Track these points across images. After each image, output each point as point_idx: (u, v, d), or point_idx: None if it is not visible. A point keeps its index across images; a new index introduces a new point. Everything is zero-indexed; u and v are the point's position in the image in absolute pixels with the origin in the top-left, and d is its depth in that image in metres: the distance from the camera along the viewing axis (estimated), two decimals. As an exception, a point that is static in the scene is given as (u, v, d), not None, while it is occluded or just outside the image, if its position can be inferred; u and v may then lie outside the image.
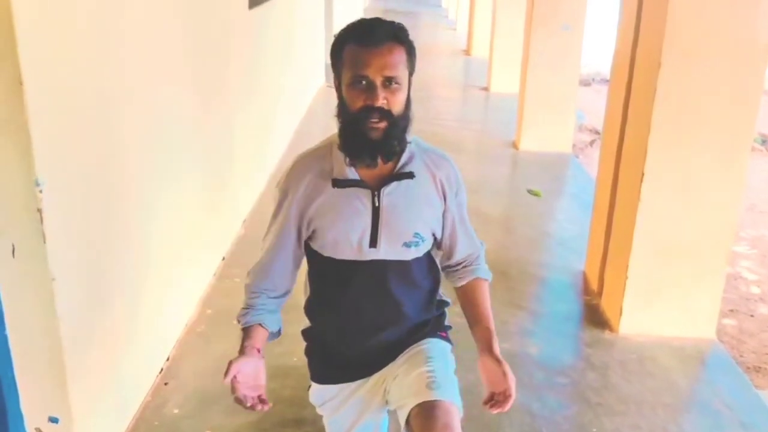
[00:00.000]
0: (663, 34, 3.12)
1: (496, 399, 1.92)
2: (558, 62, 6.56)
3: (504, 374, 1.93)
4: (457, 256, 2.13)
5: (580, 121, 8.86)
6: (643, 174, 3.32)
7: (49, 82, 2.11)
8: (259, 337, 2.01)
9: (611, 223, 3.79)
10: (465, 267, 2.14)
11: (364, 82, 1.81)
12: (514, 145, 7.01)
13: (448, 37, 15.07)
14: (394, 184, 1.95)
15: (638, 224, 3.41)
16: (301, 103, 7.65)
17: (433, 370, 1.95)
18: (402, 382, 1.98)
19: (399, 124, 1.86)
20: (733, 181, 3.33)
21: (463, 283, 2.13)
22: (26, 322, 2.15)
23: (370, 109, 1.81)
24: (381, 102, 1.80)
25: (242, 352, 1.96)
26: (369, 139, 1.84)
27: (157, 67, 3.10)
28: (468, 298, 2.13)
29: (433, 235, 2.04)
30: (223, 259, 4.26)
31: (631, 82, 3.54)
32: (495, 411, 1.92)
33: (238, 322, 2.07)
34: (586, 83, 11.73)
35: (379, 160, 1.90)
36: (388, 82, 1.81)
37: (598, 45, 10.46)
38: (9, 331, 2.14)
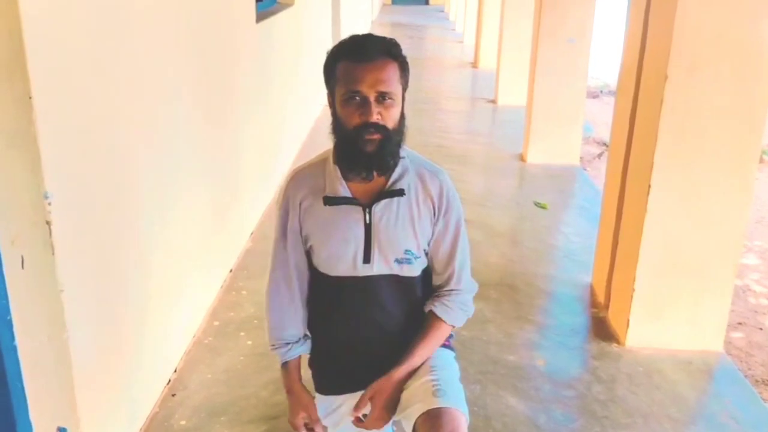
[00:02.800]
0: (669, 47, 3.13)
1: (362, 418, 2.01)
2: (565, 75, 6.56)
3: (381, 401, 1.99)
4: (434, 277, 2.12)
5: (588, 133, 8.85)
6: (649, 186, 3.32)
7: (58, 96, 2.13)
8: (297, 368, 2.14)
9: (618, 236, 3.79)
10: (438, 296, 2.11)
11: (357, 98, 1.84)
12: (522, 158, 7.01)
13: (456, 49, 15.10)
14: (386, 201, 1.97)
15: (645, 237, 3.40)
16: (308, 116, 7.68)
17: (437, 378, 1.97)
18: (407, 392, 1.99)
19: (393, 138, 1.89)
20: (740, 193, 3.32)
21: (426, 309, 2.11)
22: (35, 333, 2.17)
23: (365, 126, 1.83)
24: (375, 117, 1.83)
25: (290, 392, 2.12)
26: (364, 153, 1.86)
27: (166, 81, 3.13)
28: (419, 327, 2.10)
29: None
30: (231, 271, 4.28)
31: (637, 95, 3.55)
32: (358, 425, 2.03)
33: (273, 348, 2.15)
34: (594, 95, 11.73)
35: (374, 174, 1.92)
36: (382, 97, 1.84)
37: (607, 57, 10.49)
38: (18, 342, 2.15)
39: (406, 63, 1.92)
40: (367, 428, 2.01)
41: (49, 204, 2.06)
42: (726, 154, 3.26)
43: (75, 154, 2.25)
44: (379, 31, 18.76)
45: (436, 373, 1.99)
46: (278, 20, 5.80)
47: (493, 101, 9.73)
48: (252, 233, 4.84)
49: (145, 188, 2.87)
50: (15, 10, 1.89)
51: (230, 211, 4.33)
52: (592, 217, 5.16)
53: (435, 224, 2.03)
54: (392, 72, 1.86)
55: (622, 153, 3.72)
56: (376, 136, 1.84)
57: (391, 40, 1.92)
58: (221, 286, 4.07)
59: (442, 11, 24.62)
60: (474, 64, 12.85)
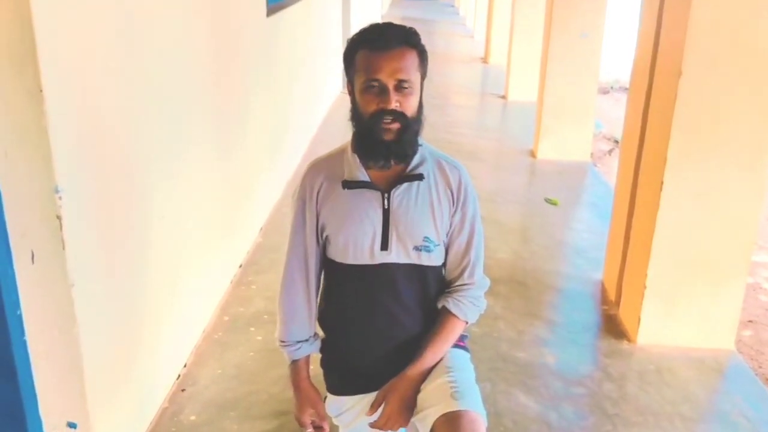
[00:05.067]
0: (684, 42, 3.10)
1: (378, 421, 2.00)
2: (576, 70, 6.53)
3: (396, 402, 1.98)
4: (447, 271, 2.11)
5: (599, 129, 8.82)
6: (662, 183, 3.30)
7: (69, 90, 2.13)
8: (306, 365, 2.14)
9: (630, 233, 3.77)
10: (449, 293, 2.09)
11: (376, 86, 1.85)
12: (532, 154, 6.99)
13: (466, 44, 15.07)
14: (405, 185, 1.96)
15: (657, 234, 3.38)
16: (317, 110, 7.67)
17: (455, 379, 1.94)
18: (423, 393, 1.97)
19: (412, 126, 1.90)
20: (753, 191, 3.29)
21: (439, 306, 2.09)
22: (45, 327, 2.17)
23: (384, 112, 1.84)
24: (394, 105, 1.84)
25: (297, 388, 2.12)
26: (383, 141, 1.87)
27: (177, 76, 3.12)
28: (432, 324, 2.08)
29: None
30: (241, 266, 4.28)
31: (650, 90, 3.52)
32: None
33: (282, 345, 2.14)
34: (604, 91, 11.69)
35: (392, 162, 1.92)
36: (401, 85, 1.84)
37: (618, 52, 10.44)
38: (28, 337, 2.15)
39: (425, 52, 1.93)
40: (383, 429, 1.99)
41: (60, 198, 2.05)
42: (739, 151, 3.24)
43: (86, 148, 2.25)
44: (389, 26, 18.76)
45: (453, 374, 1.96)
46: (288, 14, 5.78)
47: (503, 97, 9.70)
48: (262, 228, 4.84)
49: (155, 182, 2.86)
50: (26, 2, 1.89)
51: (240, 205, 4.32)
52: (603, 214, 5.14)
53: (453, 215, 2.01)
54: (411, 60, 1.86)
55: (634, 149, 3.69)
56: (395, 125, 1.85)
57: (410, 28, 1.92)
58: (231, 281, 4.07)
59: (453, 6, 24.56)
60: (484, 60, 12.83)
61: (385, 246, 1.96)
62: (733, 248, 3.39)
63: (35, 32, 1.92)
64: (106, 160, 2.42)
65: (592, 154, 7.16)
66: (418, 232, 1.97)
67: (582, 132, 6.76)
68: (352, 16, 10.74)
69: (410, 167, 1.97)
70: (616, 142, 8.74)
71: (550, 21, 6.50)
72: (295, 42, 6.28)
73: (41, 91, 1.95)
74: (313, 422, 2.11)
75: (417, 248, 1.98)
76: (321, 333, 2.20)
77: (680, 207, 3.33)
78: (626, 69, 4.35)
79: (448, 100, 9.40)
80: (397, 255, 1.98)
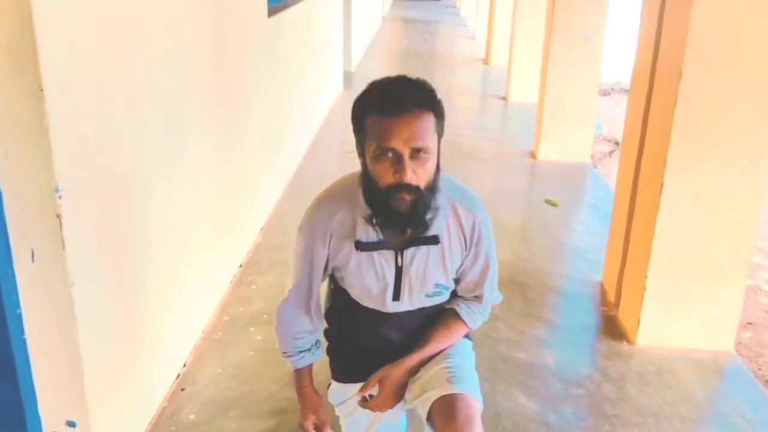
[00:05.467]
0: (684, 44, 3.10)
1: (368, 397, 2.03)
2: (577, 72, 6.54)
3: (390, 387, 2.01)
4: (459, 291, 2.11)
5: (599, 131, 8.82)
6: (662, 185, 3.30)
7: (70, 89, 2.13)
8: (309, 373, 2.17)
9: (629, 234, 3.77)
10: (463, 299, 2.11)
11: (390, 155, 1.70)
12: (533, 155, 6.99)
13: (467, 46, 15.06)
14: (418, 246, 1.91)
15: (657, 235, 3.38)
16: (318, 111, 7.67)
17: (452, 365, 1.98)
18: (422, 379, 2.00)
19: (427, 196, 1.77)
20: (754, 193, 3.29)
21: (448, 306, 2.10)
22: (45, 326, 2.17)
23: (400, 187, 1.72)
24: (410, 177, 1.70)
25: (300, 395, 2.16)
26: (398, 213, 1.76)
27: (177, 75, 3.12)
28: (435, 321, 2.09)
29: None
30: (241, 266, 4.28)
31: (651, 92, 3.52)
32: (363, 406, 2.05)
33: (284, 355, 2.16)
34: (605, 93, 11.69)
35: (408, 231, 1.86)
36: (417, 153, 1.70)
37: (618, 54, 10.43)
38: (28, 336, 2.15)
39: (442, 110, 1.79)
40: (372, 409, 2.04)
41: (60, 197, 2.05)
42: (739, 153, 3.24)
43: (86, 147, 2.25)
44: (390, 26, 18.72)
45: (452, 360, 2.00)
46: (290, 15, 5.79)
47: (504, 98, 9.70)
48: (262, 228, 4.84)
49: (156, 182, 2.86)
50: (27, 1, 1.89)
51: (241, 205, 4.32)
52: (603, 215, 5.14)
53: (465, 256, 1.98)
54: (427, 124, 1.72)
55: (634, 151, 3.70)
56: (409, 197, 1.73)
57: (424, 84, 1.79)
58: (231, 281, 4.07)
59: (454, 7, 24.57)
60: (485, 61, 12.82)
61: (397, 297, 1.97)
62: (733, 250, 3.39)
63: (36, 31, 1.91)
64: (106, 159, 2.42)
65: (592, 155, 7.16)
66: (430, 283, 1.97)
67: (582, 133, 6.76)
68: (354, 17, 10.75)
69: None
70: (617, 143, 8.74)
71: (551, 23, 6.51)
72: (297, 42, 6.28)
73: (42, 90, 1.95)
74: (315, 426, 2.16)
75: (428, 295, 2.00)
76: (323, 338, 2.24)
77: (680, 209, 3.33)
78: (627, 71, 4.35)
79: (449, 101, 9.31)
80: (409, 304, 2.00)
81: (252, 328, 3.61)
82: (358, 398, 2.07)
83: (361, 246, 1.88)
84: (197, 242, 3.43)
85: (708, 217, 3.34)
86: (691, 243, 3.39)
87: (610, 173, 7.17)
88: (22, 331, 2.13)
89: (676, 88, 3.17)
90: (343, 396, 2.18)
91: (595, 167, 7.03)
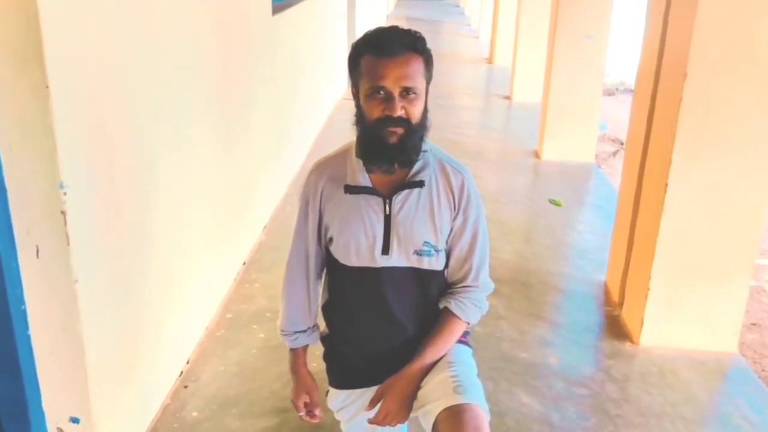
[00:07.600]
0: (690, 44, 3.10)
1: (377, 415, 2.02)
2: (582, 72, 6.53)
3: (396, 400, 2.00)
4: (450, 273, 2.11)
5: (603, 131, 8.81)
6: (666, 185, 3.29)
7: (75, 86, 2.13)
8: (304, 353, 2.22)
9: (633, 235, 3.77)
10: (452, 294, 2.09)
11: (382, 93, 1.84)
12: (536, 155, 6.98)
13: (471, 45, 15.06)
14: (406, 192, 1.97)
15: (661, 236, 3.38)
16: (321, 111, 7.67)
17: (457, 374, 1.95)
18: (425, 388, 1.98)
19: (416, 132, 1.89)
20: (758, 193, 3.29)
21: (441, 306, 2.10)
22: (49, 322, 2.17)
23: (389, 119, 1.84)
24: (399, 112, 1.84)
25: (295, 373, 2.20)
26: (387, 145, 1.87)
27: (181, 73, 3.13)
28: (433, 324, 2.09)
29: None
30: (244, 264, 4.28)
31: (656, 92, 3.52)
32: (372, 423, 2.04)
33: (282, 333, 2.21)
34: (609, 93, 11.68)
35: (396, 167, 1.92)
36: (406, 92, 1.84)
37: (623, 54, 10.42)
38: (32, 332, 2.16)
39: (431, 57, 1.92)
40: (381, 425, 2.00)
41: (65, 194, 2.06)
42: (744, 154, 3.23)
43: (91, 144, 2.25)
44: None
45: (456, 368, 1.97)
46: (294, 13, 5.79)
47: (508, 97, 9.69)
48: (265, 226, 4.84)
49: (160, 180, 2.87)
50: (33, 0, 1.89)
51: (244, 204, 4.33)
52: (607, 215, 5.14)
53: (454, 219, 2.01)
54: (417, 66, 1.86)
55: (639, 151, 3.69)
56: (399, 130, 1.85)
57: (416, 33, 1.91)
58: (234, 279, 4.07)
59: (458, 6, 24.55)
60: (489, 60, 12.82)
61: (386, 250, 1.98)
62: (737, 251, 3.39)
63: (42, 28, 1.92)
64: (110, 156, 2.42)
65: (596, 155, 7.15)
66: (419, 237, 1.98)
67: (587, 133, 6.76)
68: (358, 16, 10.74)
69: (412, 173, 1.97)
70: (621, 143, 8.73)
71: (556, 22, 6.50)
72: (300, 41, 6.29)
73: (47, 87, 1.96)
74: (306, 405, 2.18)
75: (417, 252, 1.99)
76: (322, 326, 2.23)
77: (684, 209, 3.33)
78: (632, 70, 4.35)
79: (452, 101, 9.39)
80: (397, 259, 1.99)
81: (255, 326, 3.62)
82: (366, 415, 2.06)
83: (349, 189, 1.97)
84: (201, 240, 3.43)
85: (712, 217, 3.34)
86: (695, 243, 3.38)
87: (614, 173, 7.16)
88: (26, 326, 2.14)
89: (681, 88, 3.16)
90: (342, 402, 2.18)
91: (599, 167, 7.01)
